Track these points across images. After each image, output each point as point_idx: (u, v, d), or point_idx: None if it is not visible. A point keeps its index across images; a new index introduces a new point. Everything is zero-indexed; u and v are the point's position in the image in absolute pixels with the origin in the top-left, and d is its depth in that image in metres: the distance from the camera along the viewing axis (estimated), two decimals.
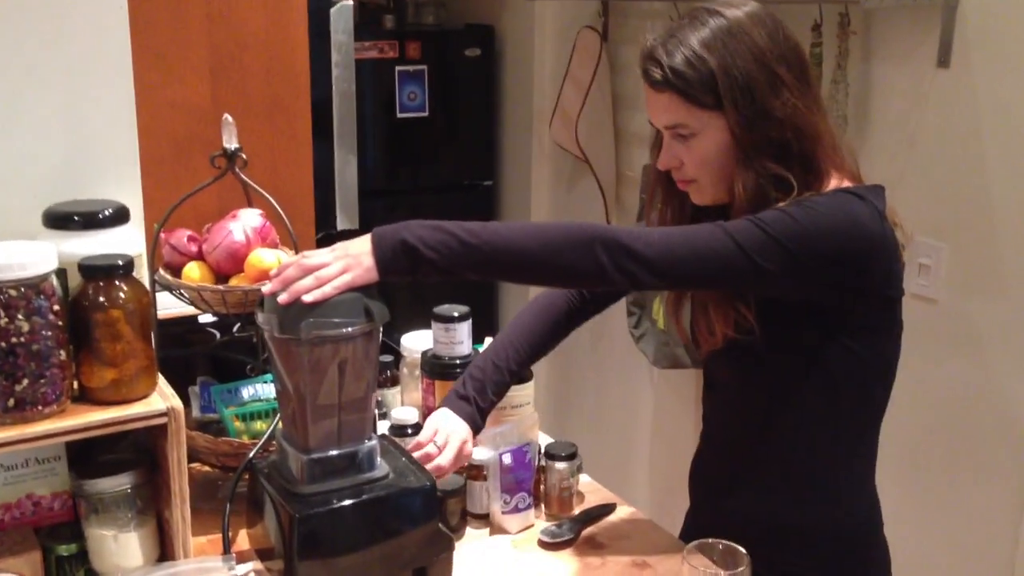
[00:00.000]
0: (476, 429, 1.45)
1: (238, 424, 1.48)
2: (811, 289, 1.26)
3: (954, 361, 2.02)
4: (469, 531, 1.50)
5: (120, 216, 1.33)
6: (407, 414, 1.59)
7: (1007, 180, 1.90)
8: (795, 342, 1.32)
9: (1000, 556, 1.98)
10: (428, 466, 1.35)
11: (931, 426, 2.06)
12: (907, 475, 2.09)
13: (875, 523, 1.42)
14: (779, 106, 1.26)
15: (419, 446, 1.40)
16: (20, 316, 1.13)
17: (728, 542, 1.18)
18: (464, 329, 1.59)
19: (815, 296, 1.27)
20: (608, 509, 1.56)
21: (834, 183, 1.30)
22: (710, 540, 1.19)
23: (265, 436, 1.40)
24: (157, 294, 1.43)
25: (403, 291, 2.91)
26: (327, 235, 2.65)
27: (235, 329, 1.59)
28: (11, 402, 1.14)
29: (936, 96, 2.01)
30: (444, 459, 1.39)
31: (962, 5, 1.93)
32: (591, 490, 1.62)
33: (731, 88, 1.25)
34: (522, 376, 1.55)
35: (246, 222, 1.46)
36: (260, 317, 1.24)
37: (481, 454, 1.48)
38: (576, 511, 1.54)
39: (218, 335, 1.68)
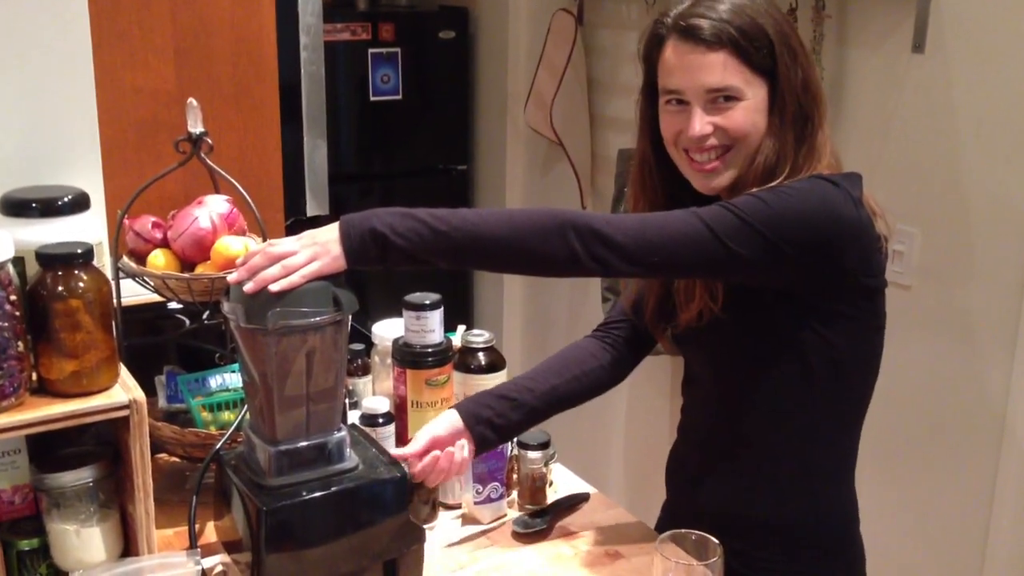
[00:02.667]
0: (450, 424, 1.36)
1: (205, 414, 1.45)
2: (785, 274, 1.25)
3: (928, 347, 2.02)
4: (441, 522, 1.49)
5: (80, 203, 1.30)
6: (378, 403, 1.57)
7: (980, 166, 1.90)
8: (766, 329, 1.31)
9: (973, 540, 1.99)
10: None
11: (905, 412, 2.07)
12: (880, 462, 2.09)
13: (851, 521, 1.42)
14: (815, 79, 1.27)
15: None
16: None
17: (701, 532, 1.17)
18: (436, 317, 1.57)
19: (789, 282, 1.26)
20: (581, 498, 1.55)
21: (815, 169, 1.29)
22: (683, 530, 1.18)
23: (232, 427, 1.37)
24: (124, 281, 1.40)
25: (374, 278, 2.89)
26: (296, 221, 2.62)
27: (204, 317, 1.56)
28: None
29: (911, 81, 2.00)
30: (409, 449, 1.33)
31: None
32: (564, 479, 1.61)
33: (784, 53, 1.25)
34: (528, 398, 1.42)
35: (212, 208, 1.43)
36: (226, 306, 1.21)
37: None
38: (549, 501, 1.53)
39: (187, 321, 1.65)
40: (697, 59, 1.26)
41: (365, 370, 1.76)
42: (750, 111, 1.26)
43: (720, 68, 1.25)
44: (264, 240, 1.41)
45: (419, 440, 1.32)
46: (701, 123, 1.27)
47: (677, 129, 1.30)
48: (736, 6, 1.25)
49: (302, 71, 2.61)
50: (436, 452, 1.31)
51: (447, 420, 1.34)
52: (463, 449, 1.33)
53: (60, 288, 1.15)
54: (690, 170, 1.32)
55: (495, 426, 1.35)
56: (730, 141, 1.28)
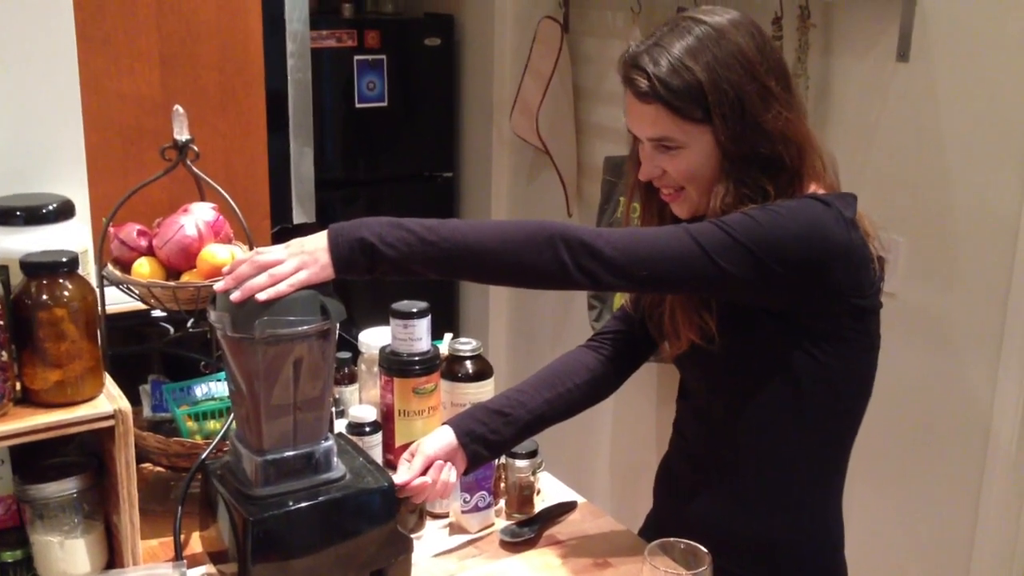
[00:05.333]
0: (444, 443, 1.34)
1: (191, 424, 1.44)
2: (773, 293, 1.25)
3: (913, 354, 2.03)
4: (428, 531, 1.48)
5: (65, 211, 1.29)
6: (365, 412, 1.56)
7: (965, 174, 1.92)
8: (757, 349, 1.30)
9: (959, 546, 2.00)
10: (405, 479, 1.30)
11: (890, 418, 2.07)
12: (865, 468, 2.10)
13: (837, 544, 1.41)
14: (770, 119, 1.24)
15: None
16: None
17: (689, 541, 1.17)
18: (423, 325, 1.56)
19: (778, 301, 1.26)
20: (569, 507, 1.54)
21: (811, 191, 1.29)
22: (671, 539, 1.18)
23: (218, 436, 1.36)
24: (107, 288, 1.39)
25: (361, 287, 2.88)
26: (283, 229, 2.62)
27: (188, 325, 1.55)
28: None
29: (895, 89, 2.01)
30: (407, 474, 1.30)
31: None
32: (552, 488, 1.60)
33: (720, 102, 1.23)
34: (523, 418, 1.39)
35: (198, 216, 1.42)
36: (212, 315, 1.20)
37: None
38: (537, 510, 1.52)
39: (171, 329, 1.64)
40: (636, 108, 1.28)
41: (352, 379, 1.75)
42: (694, 157, 1.27)
43: (654, 120, 1.26)
44: (251, 248, 1.40)
45: (416, 463, 1.30)
46: (649, 165, 1.31)
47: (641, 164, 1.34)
48: (677, 59, 1.23)
49: (289, 78, 2.61)
50: (428, 479, 1.30)
51: (442, 438, 1.33)
52: (451, 470, 1.32)
53: (45, 297, 1.14)
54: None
55: (488, 442, 1.34)
56: (677, 184, 1.30)
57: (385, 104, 3.20)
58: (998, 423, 1.90)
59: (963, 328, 1.95)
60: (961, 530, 1.98)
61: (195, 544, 1.35)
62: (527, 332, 3.32)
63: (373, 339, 1.69)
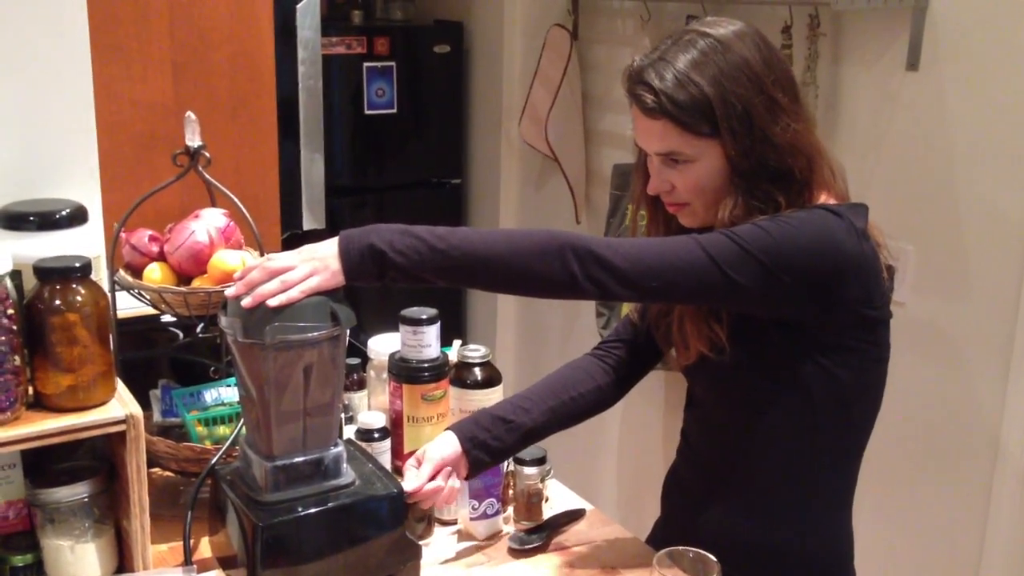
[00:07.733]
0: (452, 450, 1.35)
1: (201, 429, 1.45)
2: (784, 304, 1.24)
3: (921, 364, 2.03)
4: (437, 538, 1.48)
5: (78, 216, 1.30)
6: (374, 418, 1.57)
7: (974, 182, 1.91)
8: (768, 360, 1.30)
9: (967, 559, 1.99)
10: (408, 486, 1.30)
11: (898, 429, 2.07)
12: (873, 479, 2.09)
13: (846, 554, 1.40)
14: (779, 132, 1.24)
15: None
16: None
17: (698, 550, 1.16)
18: (432, 332, 1.57)
19: (788, 312, 1.25)
20: (577, 515, 1.54)
21: (821, 201, 1.28)
22: (680, 548, 1.17)
23: (228, 442, 1.37)
24: (118, 293, 1.40)
25: (371, 293, 2.89)
26: (293, 235, 2.63)
27: (198, 330, 1.56)
28: None
29: (905, 98, 2.01)
30: (417, 480, 1.30)
31: (932, 8, 1.94)
32: (560, 495, 1.60)
33: (728, 116, 1.22)
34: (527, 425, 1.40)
35: (209, 222, 1.43)
36: (223, 321, 1.21)
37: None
38: (545, 517, 1.52)
39: (181, 334, 1.64)
40: (644, 124, 1.28)
41: (361, 385, 1.75)
42: (703, 170, 1.26)
43: (661, 136, 1.26)
44: (261, 254, 1.41)
45: (424, 469, 1.31)
46: (658, 180, 1.31)
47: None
48: (683, 73, 1.23)
49: (300, 85, 2.62)
50: (440, 483, 1.30)
51: (447, 444, 1.33)
52: (454, 477, 1.33)
53: (57, 302, 1.15)
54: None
55: (490, 449, 1.35)
56: (684, 200, 1.30)
57: (394, 111, 3.21)
58: (1007, 433, 1.89)
59: (972, 337, 1.95)
60: (970, 542, 1.98)
61: (204, 549, 1.36)
62: (535, 339, 3.32)
63: (382, 345, 1.70)
